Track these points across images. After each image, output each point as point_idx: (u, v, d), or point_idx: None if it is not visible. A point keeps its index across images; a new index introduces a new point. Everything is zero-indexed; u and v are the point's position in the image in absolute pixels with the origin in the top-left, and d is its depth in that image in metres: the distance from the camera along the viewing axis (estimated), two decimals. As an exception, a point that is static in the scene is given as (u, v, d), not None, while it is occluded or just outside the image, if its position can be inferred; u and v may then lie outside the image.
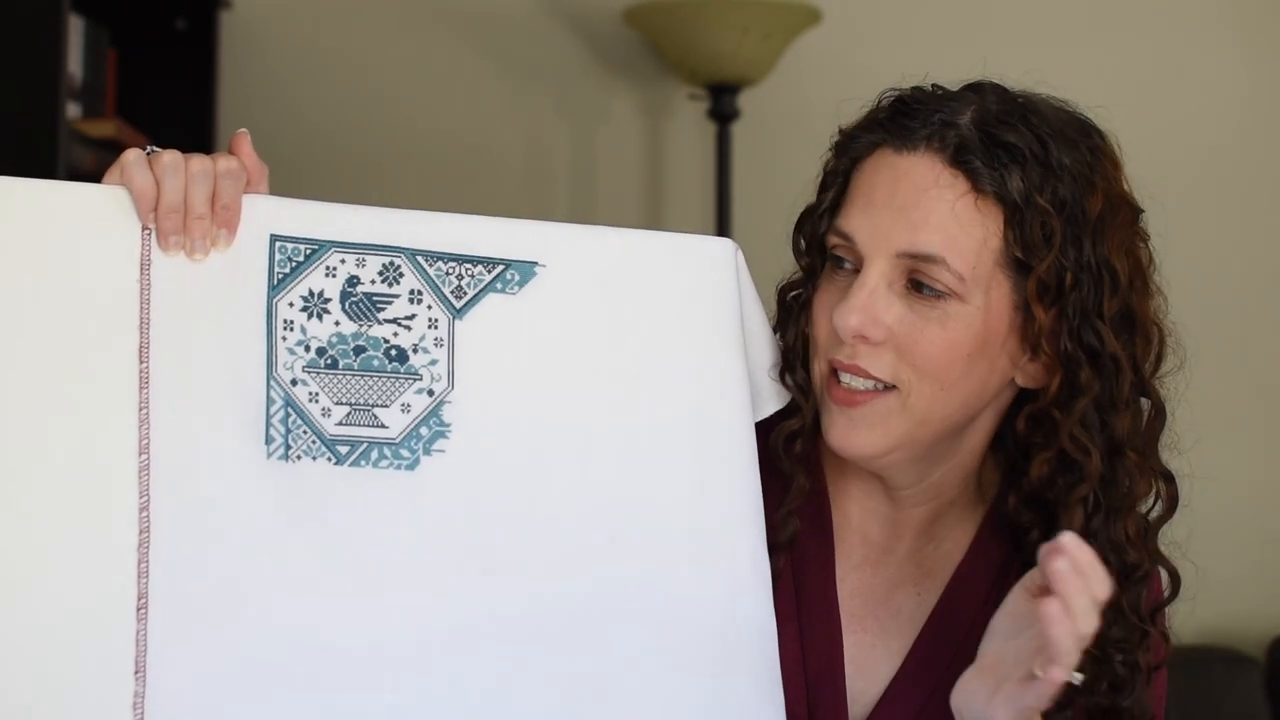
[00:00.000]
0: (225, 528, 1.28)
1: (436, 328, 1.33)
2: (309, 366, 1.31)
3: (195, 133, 3.55)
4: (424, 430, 1.33)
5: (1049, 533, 1.37)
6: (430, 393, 1.33)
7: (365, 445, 1.32)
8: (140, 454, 1.27)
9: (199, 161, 1.28)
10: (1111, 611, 1.37)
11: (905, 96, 1.40)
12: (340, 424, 1.31)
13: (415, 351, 1.33)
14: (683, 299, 1.38)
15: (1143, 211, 1.42)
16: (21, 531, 1.25)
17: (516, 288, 1.35)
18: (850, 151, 1.41)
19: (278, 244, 1.31)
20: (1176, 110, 3.70)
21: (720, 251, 1.41)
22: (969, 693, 1.29)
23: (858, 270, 1.38)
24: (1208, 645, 3.54)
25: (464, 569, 1.32)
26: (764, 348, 1.44)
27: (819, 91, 3.63)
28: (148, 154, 1.29)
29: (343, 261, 1.32)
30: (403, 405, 1.32)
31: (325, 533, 1.30)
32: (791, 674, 1.40)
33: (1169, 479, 1.42)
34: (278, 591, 1.29)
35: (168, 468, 1.27)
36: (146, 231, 1.29)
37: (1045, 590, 1.23)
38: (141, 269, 1.29)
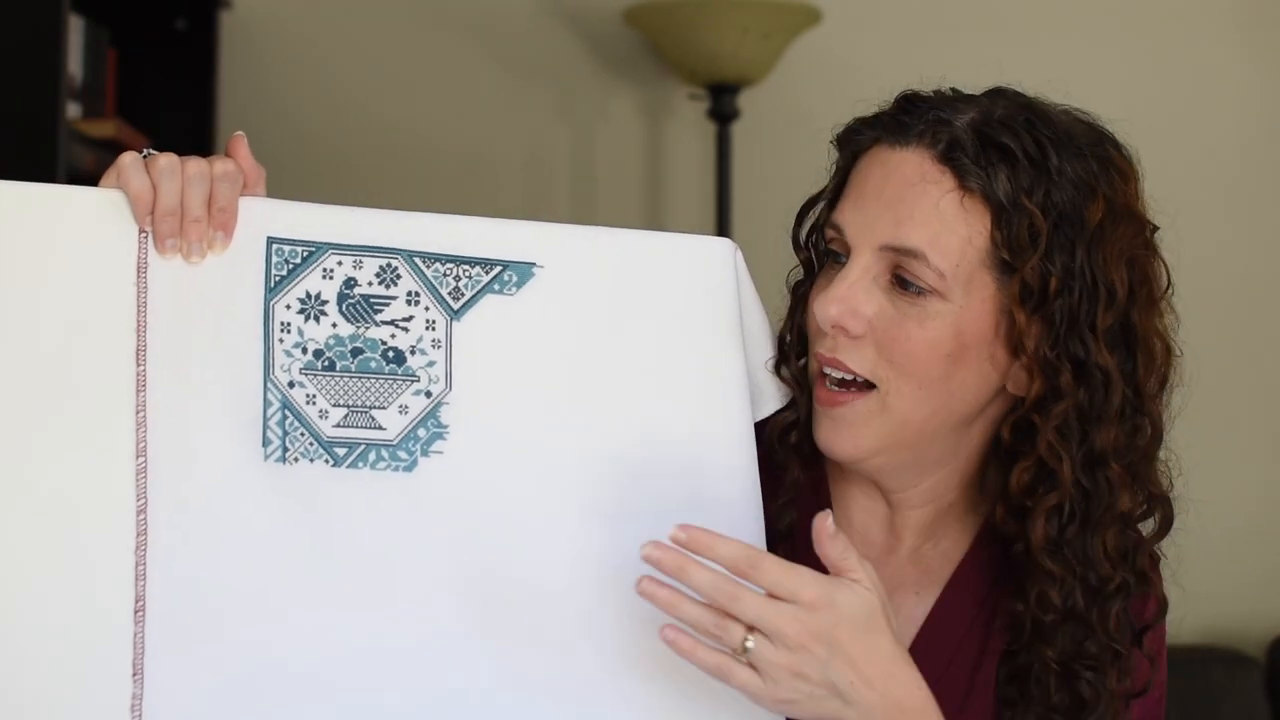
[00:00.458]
0: (223, 530, 1.28)
1: (434, 329, 1.33)
2: (306, 368, 1.31)
3: (195, 133, 3.55)
4: (422, 432, 1.32)
5: (1028, 545, 1.37)
6: (428, 394, 1.33)
7: (363, 447, 1.31)
8: (138, 456, 1.27)
9: (195, 164, 1.28)
10: (1082, 627, 1.37)
11: (911, 95, 1.40)
12: (338, 426, 1.31)
13: (413, 353, 1.33)
14: (682, 299, 1.38)
15: (1157, 229, 1.40)
16: (20, 534, 1.25)
17: (514, 289, 1.35)
18: (851, 146, 1.41)
19: (274, 246, 1.31)
20: (1177, 115, 3.69)
21: (720, 251, 1.41)
22: None
23: None
24: (1208, 645, 3.54)
25: (462, 569, 1.32)
26: (763, 348, 1.44)
27: (819, 91, 3.64)
28: (144, 157, 1.29)
29: (340, 263, 1.32)
30: (400, 407, 1.32)
31: (323, 534, 1.30)
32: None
33: (1163, 500, 1.41)
34: (275, 593, 1.29)
35: (165, 470, 1.27)
36: (143, 234, 1.29)
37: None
38: (138, 272, 1.29)
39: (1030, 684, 1.39)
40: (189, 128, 3.56)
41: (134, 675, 1.26)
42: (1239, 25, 3.78)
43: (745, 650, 1.24)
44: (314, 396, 1.31)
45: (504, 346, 1.34)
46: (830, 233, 1.40)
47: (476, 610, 1.32)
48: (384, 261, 1.33)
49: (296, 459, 1.30)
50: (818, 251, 1.44)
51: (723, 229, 3.55)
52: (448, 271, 1.34)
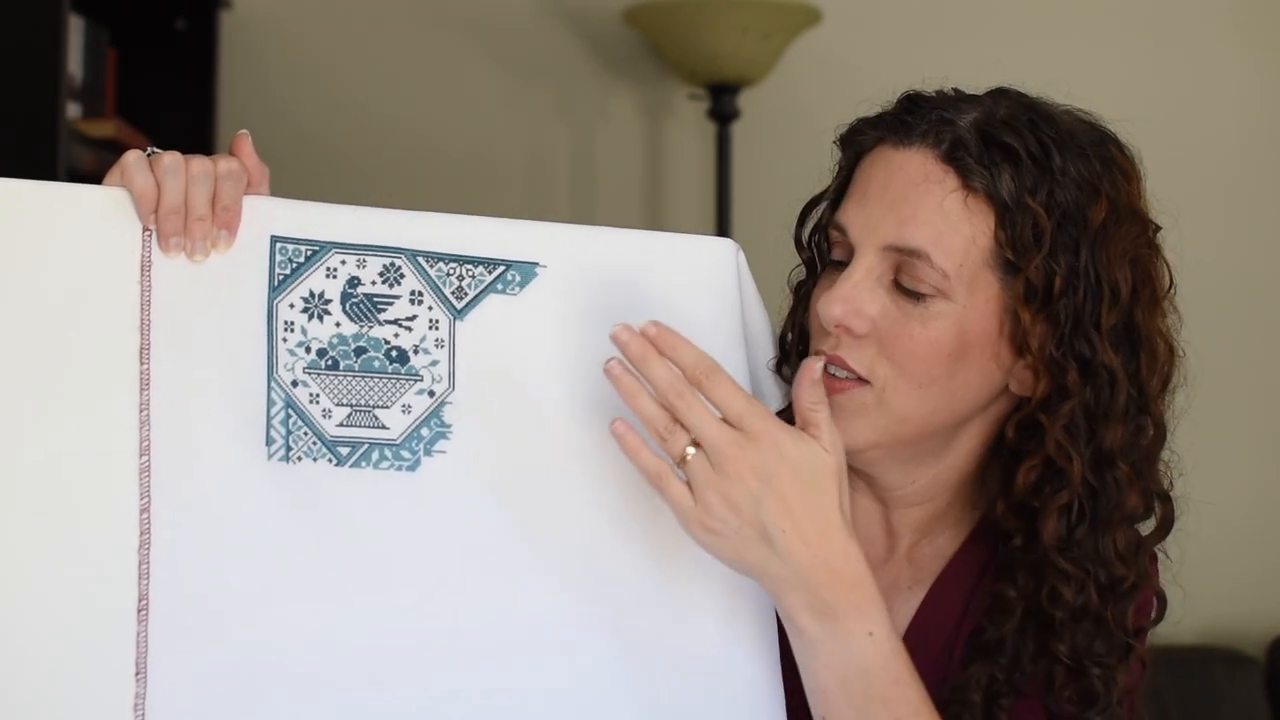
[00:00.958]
0: (226, 529, 1.28)
1: (437, 328, 1.33)
2: (310, 368, 1.31)
3: (195, 133, 3.55)
4: (425, 431, 1.33)
5: (1031, 540, 1.38)
6: (431, 394, 1.33)
7: (366, 446, 1.32)
8: (141, 455, 1.27)
9: (199, 163, 1.28)
10: (1094, 625, 1.37)
11: (914, 95, 1.40)
12: (341, 425, 1.31)
13: (416, 352, 1.33)
14: (684, 299, 1.38)
15: (1159, 229, 1.41)
16: (22, 532, 1.25)
17: (517, 288, 1.35)
18: (854, 146, 1.41)
19: (278, 245, 1.31)
20: (1177, 115, 3.69)
21: (721, 251, 1.41)
22: None
23: None
24: (1208, 645, 3.54)
25: (464, 570, 1.32)
26: (765, 348, 1.44)
27: (819, 91, 3.64)
28: (148, 155, 1.29)
29: (343, 262, 1.32)
30: (403, 406, 1.32)
31: (326, 534, 1.30)
32: (790, 673, 1.40)
33: (1164, 499, 1.41)
34: (278, 592, 1.29)
35: (168, 469, 1.27)
36: (147, 233, 1.29)
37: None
38: (142, 270, 1.29)
39: (999, 657, 1.39)
40: (189, 128, 3.55)
41: (137, 674, 1.26)
42: (1239, 25, 3.78)
43: (685, 461, 1.24)
44: (317, 396, 1.31)
45: (507, 346, 1.34)
46: (834, 233, 1.40)
47: (478, 610, 1.32)
48: (388, 261, 1.33)
49: (300, 458, 1.30)
50: (820, 251, 1.44)
51: (722, 229, 3.55)
52: (451, 271, 1.34)
